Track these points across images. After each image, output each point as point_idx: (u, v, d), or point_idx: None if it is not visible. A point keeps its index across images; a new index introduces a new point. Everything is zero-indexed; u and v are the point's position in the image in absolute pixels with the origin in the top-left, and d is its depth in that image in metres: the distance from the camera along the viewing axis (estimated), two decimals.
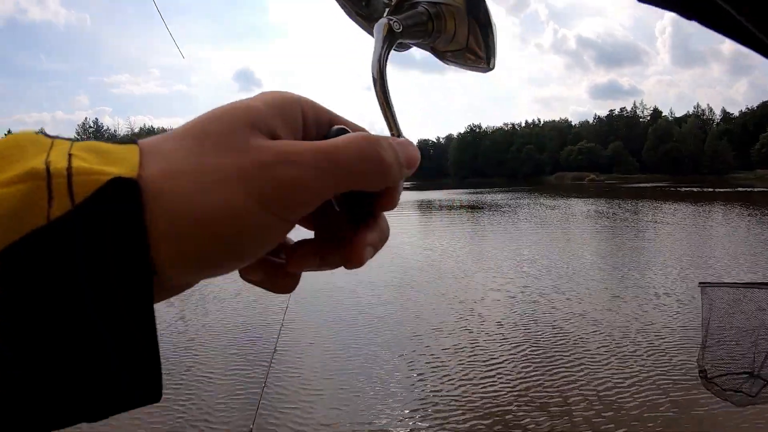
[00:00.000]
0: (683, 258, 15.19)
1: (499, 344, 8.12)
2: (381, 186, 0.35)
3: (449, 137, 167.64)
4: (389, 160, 0.34)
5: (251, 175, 0.29)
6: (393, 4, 0.49)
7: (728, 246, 17.82)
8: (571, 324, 8.96)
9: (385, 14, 0.47)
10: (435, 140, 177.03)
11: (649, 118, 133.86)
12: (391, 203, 0.37)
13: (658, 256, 15.81)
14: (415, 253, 17.82)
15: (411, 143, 0.37)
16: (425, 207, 42.87)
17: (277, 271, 0.37)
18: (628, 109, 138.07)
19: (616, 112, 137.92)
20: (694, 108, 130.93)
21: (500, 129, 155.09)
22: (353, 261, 0.35)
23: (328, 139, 0.33)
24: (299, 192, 0.30)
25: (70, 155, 0.26)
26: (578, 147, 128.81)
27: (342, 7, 0.53)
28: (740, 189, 56.60)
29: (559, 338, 8.29)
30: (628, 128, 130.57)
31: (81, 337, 0.25)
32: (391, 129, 0.41)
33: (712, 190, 54.40)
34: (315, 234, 0.39)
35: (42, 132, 0.28)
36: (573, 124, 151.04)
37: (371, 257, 0.36)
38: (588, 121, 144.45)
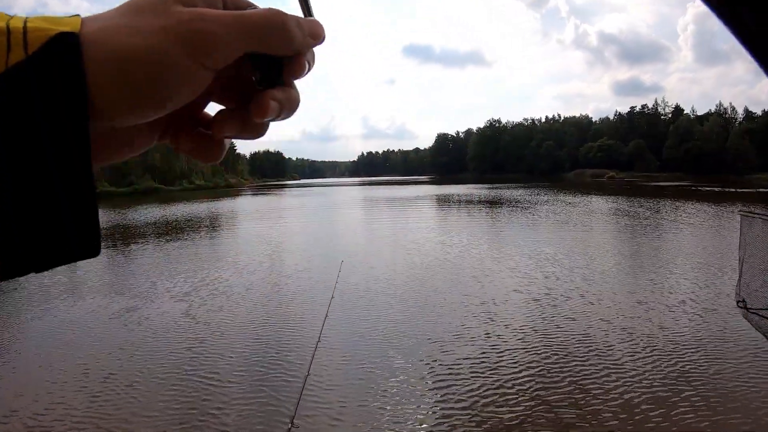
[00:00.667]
0: (707, 266, 14.47)
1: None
2: (286, 50, 0.40)
3: (469, 132, 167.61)
4: (292, 27, 0.39)
5: (172, 27, 0.35)
6: None
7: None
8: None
9: None
10: (454, 134, 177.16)
11: (670, 115, 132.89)
12: (300, 71, 0.42)
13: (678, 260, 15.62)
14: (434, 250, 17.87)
15: (318, 22, 0.43)
16: (443, 201, 42.79)
17: (205, 140, 0.43)
18: (650, 106, 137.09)
19: (638, 109, 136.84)
20: (717, 106, 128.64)
21: (520, 124, 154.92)
22: (258, 112, 0.40)
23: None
24: (213, 41, 0.36)
25: (25, 20, 0.31)
26: (598, 144, 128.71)
27: None
28: (762, 189, 56.18)
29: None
30: (649, 126, 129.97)
31: (32, 169, 0.31)
32: (303, 12, 0.44)
33: (734, 190, 53.81)
34: (234, 107, 0.44)
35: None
36: (593, 120, 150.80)
37: (277, 114, 0.41)
38: (608, 118, 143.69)
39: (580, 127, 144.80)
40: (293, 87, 0.43)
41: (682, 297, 10.97)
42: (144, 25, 0.34)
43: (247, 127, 0.42)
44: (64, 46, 0.31)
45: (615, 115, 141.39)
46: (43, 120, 0.31)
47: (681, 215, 29.23)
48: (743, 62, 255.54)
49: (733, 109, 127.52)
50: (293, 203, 50.69)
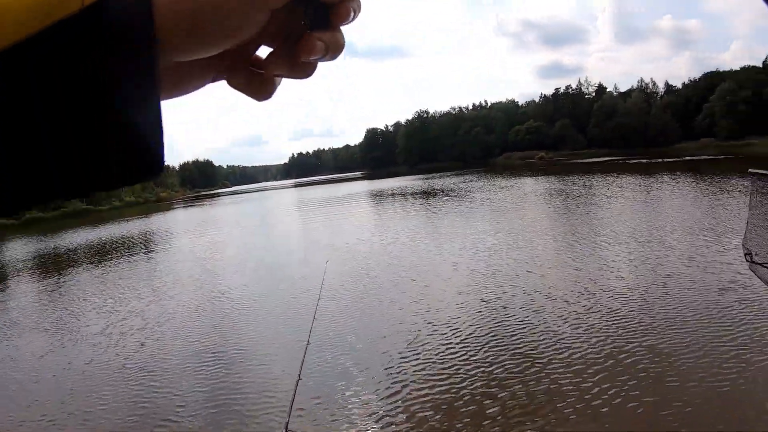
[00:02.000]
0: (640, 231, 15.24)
1: None
2: None
3: (398, 125, 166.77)
4: None
5: None
6: None
7: (678, 214, 18.65)
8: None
9: None
10: (383, 128, 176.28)
11: (594, 94, 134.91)
12: (346, 16, 0.44)
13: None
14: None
15: None
16: (377, 196, 41.73)
17: (257, 78, 0.46)
18: (573, 86, 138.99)
19: (562, 91, 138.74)
20: (638, 83, 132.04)
21: (448, 113, 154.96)
22: (306, 52, 0.43)
23: None
24: None
25: None
26: (526, 126, 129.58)
27: None
28: (687, 158, 58.83)
29: None
30: (574, 105, 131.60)
31: (105, 83, 0.32)
32: None
33: (660, 160, 55.55)
34: (283, 49, 0.47)
35: None
36: (520, 104, 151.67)
37: (323, 54, 0.44)
38: (534, 101, 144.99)
39: (507, 111, 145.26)
40: (339, 32, 0.45)
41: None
42: None
43: (296, 67, 0.45)
44: None
45: (540, 97, 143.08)
46: (118, 46, 0.32)
47: (615, 189, 29.29)
48: (660, 38, 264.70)
49: (654, 84, 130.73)
50: (225, 213, 48.64)
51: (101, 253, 25.46)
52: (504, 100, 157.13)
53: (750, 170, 2.23)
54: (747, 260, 2.18)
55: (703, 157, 58.44)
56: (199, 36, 0.37)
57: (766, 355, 6.50)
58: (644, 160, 57.57)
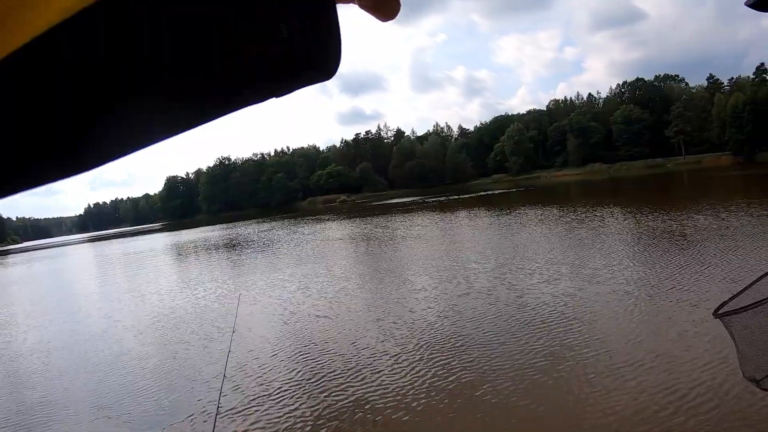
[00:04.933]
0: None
1: None
2: None
3: (199, 172, 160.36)
4: None
5: None
6: None
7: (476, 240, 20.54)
8: None
9: None
10: (184, 176, 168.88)
11: (393, 138, 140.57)
12: None
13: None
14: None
15: None
16: (178, 251, 37.32)
17: None
18: (373, 131, 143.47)
19: (362, 135, 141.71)
20: (434, 127, 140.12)
21: (250, 159, 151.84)
22: None
23: None
24: None
25: None
26: (327, 171, 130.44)
27: None
28: (482, 193, 64.12)
29: None
30: (374, 149, 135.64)
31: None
32: None
33: (457, 197, 59.01)
34: None
35: None
36: (321, 149, 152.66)
37: None
38: (336, 146, 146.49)
39: (309, 157, 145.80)
40: None
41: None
42: None
43: None
44: None
45: (341, 142, 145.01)
46: None
47: (412, 228, 29.63)
48: (454, 87, 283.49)
49: (449, 127, 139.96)
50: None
51: None
52: (306, 145, 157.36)
53: (715, 314, 2.27)
54: (759, 388, 2.22)
55: (496, 192, 64.10)
56: None
57: None
58: (443, 198, 59.36)
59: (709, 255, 12.41)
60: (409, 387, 6.86)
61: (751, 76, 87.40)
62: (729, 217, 18.26)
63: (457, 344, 8.27)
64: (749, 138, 75.54)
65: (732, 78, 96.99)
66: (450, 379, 6.99)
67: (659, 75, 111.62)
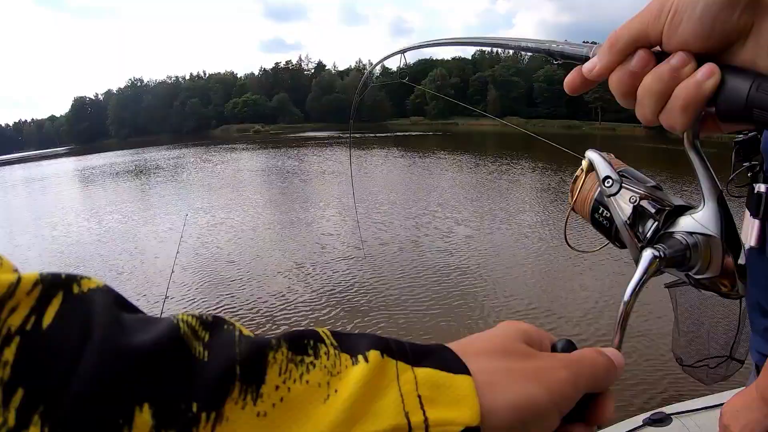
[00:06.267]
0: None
1: None
2: (604, 388, 0.41)
3: (109, 93, 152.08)
4: (618, 369, 0.42)
5: (572, 371, 0.38)
6: (655, 236, 0.54)
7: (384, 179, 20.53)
8: None
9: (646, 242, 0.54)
10: (93, 97, 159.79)
11: (313, 71, 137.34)
12: (607, 411, 0.41)
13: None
14: None
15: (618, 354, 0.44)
16: (85, 177, 35.43)
17: None
18: (294, 62, 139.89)
19: (282, 65, 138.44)
20: (357, 63, 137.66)
21: (164, 82, 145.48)
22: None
23: (573, 352, 0.42)
24: (572, 390, 0.37)
25: (420, 400, 0.31)
26: (243, 99, 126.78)
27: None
28: (398, 133, 65.21)
29: None
30: (293, 80, 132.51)
31: None
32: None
33: (373, 135, 58.58)
34: None
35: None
36: (239, 76, 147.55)
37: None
38: (254, 74, 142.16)
39: (225, 83, 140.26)
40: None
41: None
42: (522, 372, 0.36)
43: None
44: None
45: (260, 70, 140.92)
46: None
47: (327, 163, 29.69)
48: (381, 25, 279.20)
49: (371, 64, 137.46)
50: None
51: None
52: (223, 71, 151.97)
53: (665, 284, 2.12)
54: (678, 363, 2.36)
55: (414, 133, 65.70)
56: None
57: None
58: (358, 135, 59.50)
59: None
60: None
61: None
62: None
63: (366, 286, 8.21)
64: None
65: None
66: (355, 321, 6.96)
67: (587, 41, 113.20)
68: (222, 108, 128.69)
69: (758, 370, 1.37)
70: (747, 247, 1.29)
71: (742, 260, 0.52)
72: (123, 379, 0.25)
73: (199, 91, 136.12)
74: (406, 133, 65.02)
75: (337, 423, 0.28)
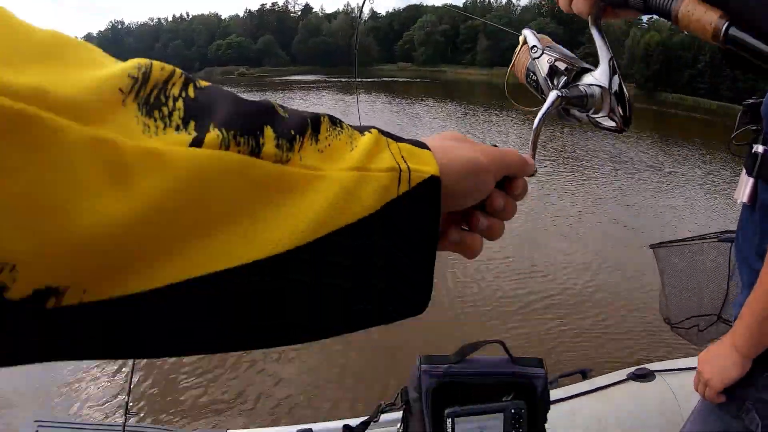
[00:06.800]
0: None
1: None
2: (524, 174, 0.58)
3: (89, 36, 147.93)
4: (528, 164, 0.58)
5: (486, 152, 0.52)
6: (565, 87, 0.70)
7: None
8: None
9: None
10: None
11: (300, 13, 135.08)
12: (522, 190, 0.57)
13: None
14: None
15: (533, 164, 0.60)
16: None
17: (467, 235, 0.55)
18: (280, 3, 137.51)
19: (267, 7, 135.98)
20: (345, 6, 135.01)
21: (145, 24, 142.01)
22: (472, 223, 0.55)
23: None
24: (501, 162, 0.53)
25: (403, 157, 0.44)
26: (227, 41, 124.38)
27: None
28: (386, 78, 65.52)
29: None
30: (279, 22, 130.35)
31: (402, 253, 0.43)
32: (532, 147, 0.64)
33: (359, 80, 56.16)
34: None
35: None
36: (223, 18, 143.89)
37: (482, 230, 0.56)
38: (239, 15, 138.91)
39: (209, 25, 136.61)
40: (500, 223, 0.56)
41: None
42: (468, 150, 0.50)
43: (489, 228, 0.56)
44: (432, 187, 0.44)
45: (245, 12, 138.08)
46: (416, 226, 0.44)
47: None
48: None
49: (360, 8, 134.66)
50: None
51: None
52: (207, 12, 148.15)
53: (651, 245, 2.48)
54: (666, 322, 2.45)
55: (400, 79, 66.16)
56: (461, 198, 0.50)
57: None
58: (344, 79, 58.35)
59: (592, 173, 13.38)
60: None
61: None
62: (618, 144, 19.67)
63: None
64: (654, 75, 78.04)
65: (652, 18, 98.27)
66: None
67: None
68: (206, 50, 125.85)
69: None
70: (739, 202, 1.42)
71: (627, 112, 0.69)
72: (252, 114, 0.36)
73: (182, 34, 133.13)
74: (393, 79, 64.69)
75: (360, 161, 0.40)
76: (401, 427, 1.72)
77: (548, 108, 0.66)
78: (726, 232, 2.36)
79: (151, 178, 0.29)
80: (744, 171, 1.41)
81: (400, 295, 0.45)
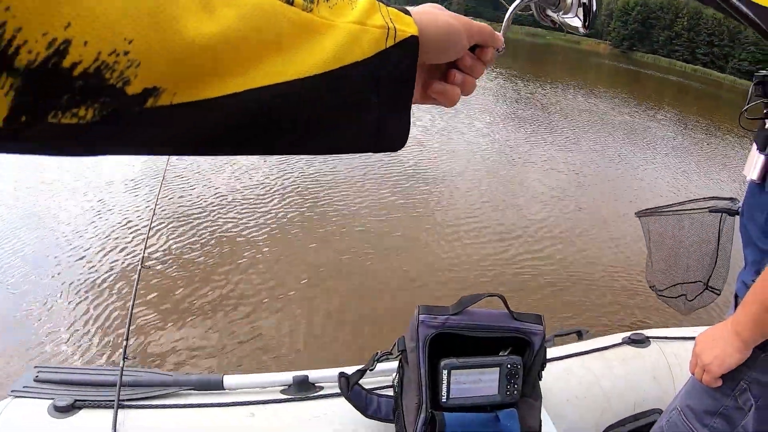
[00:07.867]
0: None
1: None
2: (493, 44, 0.65)
3: None
4: (496, 34, 0.65)
5: (459, 19, 0.59)
6: None
7: None
8: None
9: None
10: None
11: None
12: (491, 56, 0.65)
13: None
14: None
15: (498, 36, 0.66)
16: None
17: (447, 87, 0.63)
18: None
19: None
20: None
21: None
22: (450, 78, 0.63)
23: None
24: (474, 28, 0.61)
25: (391, 19, 0.51)
26: None
27: None
28: None
29: None
30: None
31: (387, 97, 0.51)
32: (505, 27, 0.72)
33: None
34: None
35: None
36: None
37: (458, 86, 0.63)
38: None
39: None
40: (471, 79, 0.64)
41: None
42: (443, 17, 0.57)
43: (463, 82, 0.64)
44: (413, 45, 0.52)
45: None
46: (398, 72, 0.51)
47: None
48: None
49: None
50: None
51: None
52: None
53: (636, 213, 2.48)
54: (651, 289, 2.54)
55: None
56: (439, 53, 0.57)
57: None
58: None
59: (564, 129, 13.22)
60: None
61: None
62: (593, 99, 19.62)
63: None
64: (631, 34, 77.71)
65: None
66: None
67: None
68: None
69: (737, 301, 1.40)
70: (748, 180, 1.35)
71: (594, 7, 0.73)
72: None
73: None
74: None
75: (360, 18, 0.48)
76: (396, 377, 1.73)
77: (517, 5, 0.74)
78: (714, 198, 2.32)
79: (228, 8, 0.39)
80: (754, 146, 1.33)
81: (385, 123, 0.53)
